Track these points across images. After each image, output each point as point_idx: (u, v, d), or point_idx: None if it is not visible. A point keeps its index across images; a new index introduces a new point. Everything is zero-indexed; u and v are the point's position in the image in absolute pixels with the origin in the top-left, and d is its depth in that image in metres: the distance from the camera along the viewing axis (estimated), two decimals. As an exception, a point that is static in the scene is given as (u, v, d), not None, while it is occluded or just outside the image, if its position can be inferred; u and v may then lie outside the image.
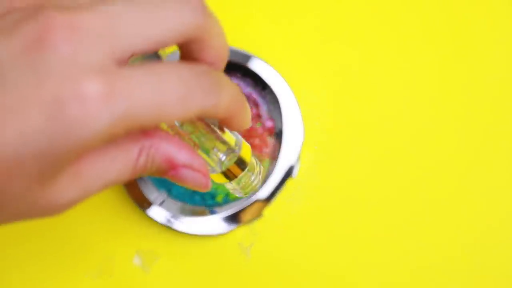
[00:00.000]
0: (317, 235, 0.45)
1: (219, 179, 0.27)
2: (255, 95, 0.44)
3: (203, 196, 0.44)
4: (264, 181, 0.44)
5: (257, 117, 0.45)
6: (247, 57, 0.44)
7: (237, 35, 0.46)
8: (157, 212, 0.43)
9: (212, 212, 0.44)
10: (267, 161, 0.44)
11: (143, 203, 0.44)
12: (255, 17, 0.46)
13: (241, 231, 0.45)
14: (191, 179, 0.26)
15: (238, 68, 0.44)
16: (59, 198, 0.24)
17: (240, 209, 0.43)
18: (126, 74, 0.22)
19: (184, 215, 0.44)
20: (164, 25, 0.23)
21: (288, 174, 0.44)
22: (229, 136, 0.27)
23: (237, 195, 0.29)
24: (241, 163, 0.27)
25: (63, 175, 0.24)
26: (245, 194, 0.29)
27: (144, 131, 0.25)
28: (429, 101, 0.45)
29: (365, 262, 0.45)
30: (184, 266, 0.45)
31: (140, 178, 0.44)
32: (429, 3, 0.46)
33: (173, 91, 0.23)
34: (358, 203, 0.45)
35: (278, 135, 0.44)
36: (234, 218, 0.43)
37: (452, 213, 0.45)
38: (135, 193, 0.44)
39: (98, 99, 0.21)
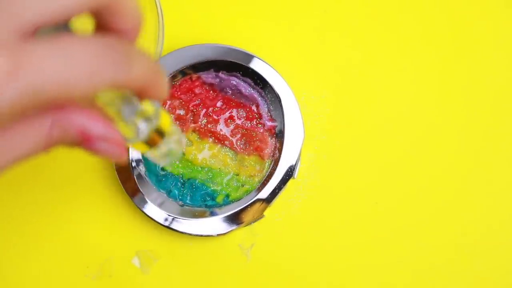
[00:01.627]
0: (318, 235, 0.45)
1: (139, 147, 0.28)
2: (255, 95, 0.44)
3: (203, 196, 0.44)
4: (261, 180, 0.44)
5: (258, 117, 0.45)
6: (248, 57, 0.44)
7: (238, 36, 0.46)
8: (157, 213, 0.43)
9: (212, 213, 0.43)
10: (267, 161, 0.44)
11: (143, 204, 0.43)
12: (256, 18, 0.46)
13: (241, 232, 0.45)
14: (106, 151, 0.26)
15: (238, 68, 0.44)
16: None
17: (240, 210, 0.43)
18: (30, 49, 0.21)
19: (184, 216, 0.43)
20: None
21: (289, 174, 0.44)
22: (147, 105, 0.27)
23: (158, 164, 0.30)
24: (160, 131, 0.28)
25: None
26: (164, 162, 0.29)
27: (57, 104, 0.24)
28: (429, 101, 0.45)
29: (365, 262, 0.45)
30: (184, 267, 0.45)
31: (140, 179, 0.44)
32: (428, 4, 0.46)
33: (80, 66, 0.22)
34: (358, 203, 0.45)
35: (278, 135, 0.44)
36: (234, 219, 0.43)
37: (452, 212, 0.45)
38: (135, 194, 0.43)
39: (2, 77, 0.21)
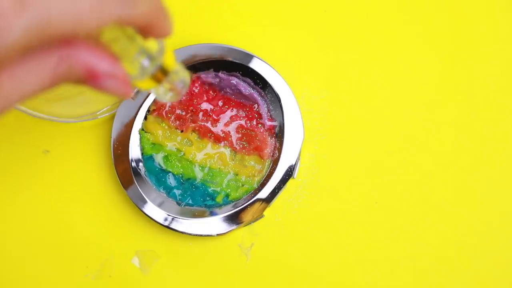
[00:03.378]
0: (317, 235, 0.45)
1: (144, 85, 0.28)
2: (255, 95, 0.44)
3: (203, 196, 0.44)
4: (261, 180, 0.44)
5: (257, 117, 0.45)
6: (248, 57, 0.44)
7: (238, 36, 0.46)
8: (157, 213, 0.43)
9: (212, 213, 0.43)
10: (267, 161, 0.44)
11: (143, 204, 0.43)
12: (256, 18, 0.46)
13: (241, 232, 0.45)
14: (111, 88, 0.26)
15: (238, 68, 0.44)
16: None
17: (240, 210, 0.43)
18: None
19: (184, 215, 0.43)
20: None
21: (289, 174, 0.44)
22: (152, 42, 0.28)
23: (163, 101, 0.30)
24: (164, 69, 0.28)
25: None
26: (170, 99, 0.29)
27: (63, 41, 0.24)
28: (429, 101, 0.45)
29: (365, 261, 0.44)
30: (184, 267, 0.45)
31: (140, 179, 0.44)
32: (428, 4, 0.46)
33: (86, 0, 0.22)
34: (358, 203, 0.45)
35: (278, 135, 0.44)
36: (234, 219, 0.43)
37: (452, 211, 0.45)
38: (134, 194, 0.44)
39: (9, 10, 0.21)
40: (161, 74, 0.28)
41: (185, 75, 0.29)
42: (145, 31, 0.26)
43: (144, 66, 0.27)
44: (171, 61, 0.28)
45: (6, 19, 0.21)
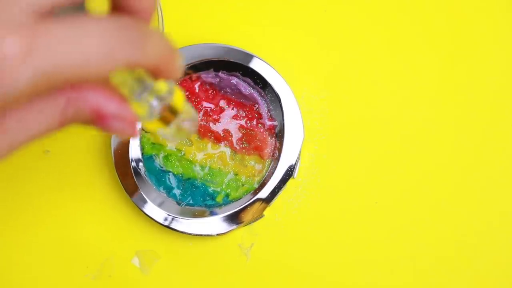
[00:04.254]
0: (317, 234, 0.45)
1: (152, 125, 0.28)
2: (255, 95, 0.44)
3: (203, 196, 0.44)
4: (261, 180, 0.44)
5: (257, 116, 0.45)
6: (248, 57, 0.44)
7: (238, 36, 0.46)
8: (157, 213, 0.43)
9: (212, 213, 0.43)
10: (267, 161, 0.44)
11: (143, 204, 0.43)
12: (256, 18, 0.46)
13: (241, 232, 0.45)
14: (119, 129, 0.26)
15: (238, 67, 0.44)
16: None
17: (240, 210, 0.43)
18: (46, 29, 0.22)
19: (184, 215, 0.43)
20: None
21: (289, 174, 0.44)
22: (161, 83, 0.27)
23: (171, 141, 0.30)
24: (173, 110, 0.28)
25: None
26: (178, 139, 0.29)
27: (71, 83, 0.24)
28: (428, 101, 0.45)
29: (365, 261, 0.44)
30: (184, 267, 0.45)
31: (140, 179, 0.44)
32: (428, 4, 0.46)
33: (96, 47, 0.22)
34: (358, 203, 0.45)
35: (278, 134, 0.44)
36: (234, 219, 0.43)
37: (452, 211, 0.45)
38: (134, 194, 0.44)
39: (17, 57, 0.21)
40: (170, 114, 0.28)
41: (194, 115, 0.29)
42: (154, 72, 0.26)
43: (153, 107, 0.27)
44: (180, 102, 0.28)
45: (13, 66, 0.21)
